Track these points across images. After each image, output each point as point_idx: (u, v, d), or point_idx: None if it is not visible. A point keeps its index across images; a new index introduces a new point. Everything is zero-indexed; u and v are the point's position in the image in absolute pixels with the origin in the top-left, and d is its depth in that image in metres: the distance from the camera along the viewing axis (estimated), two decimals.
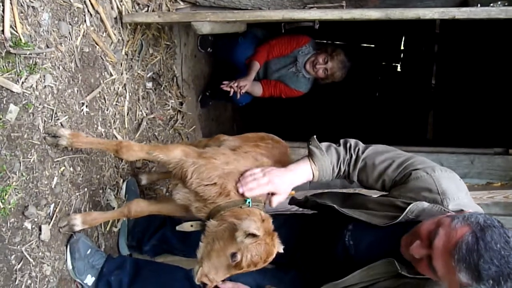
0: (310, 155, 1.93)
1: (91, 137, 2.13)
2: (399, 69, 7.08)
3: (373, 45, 6.95)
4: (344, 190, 2.11)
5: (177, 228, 1.89)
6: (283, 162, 2.01)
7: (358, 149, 1.95)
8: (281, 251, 1.75)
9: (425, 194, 1.74)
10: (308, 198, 2.18)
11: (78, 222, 2.02)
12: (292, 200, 2.36)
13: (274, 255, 1.71)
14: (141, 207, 2.09)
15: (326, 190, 2.31)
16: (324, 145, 1.96)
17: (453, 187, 1.74)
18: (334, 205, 1.90)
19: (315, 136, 1.97)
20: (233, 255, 1.62)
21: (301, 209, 2.37)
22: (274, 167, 1.89)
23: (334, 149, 1.95)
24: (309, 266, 2.08)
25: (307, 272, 2.06)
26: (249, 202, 1.76)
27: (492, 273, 1.35)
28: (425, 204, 1.68)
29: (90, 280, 2.10)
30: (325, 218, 2.11)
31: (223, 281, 1.74)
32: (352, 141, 1.98)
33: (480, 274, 1.36)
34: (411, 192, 1.76)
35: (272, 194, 1.86)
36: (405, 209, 1.67)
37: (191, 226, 1.87)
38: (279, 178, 1.84)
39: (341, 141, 2.01)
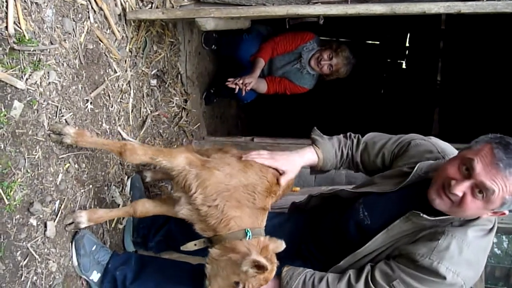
0: (313, 142, 2.08)
1: (96, 137, 2.14)
2: (404, 66, 7.04)
3: (378, 42, 6.91)
4: (350, 187, 2.15)
5: (182, 248, 1.98)
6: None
7: (358, 135, 2.12)
8: (283, 247, 1.82)
9: (428, 155, 1.87)
10: (311, 197, 2.24)
11: (83, 219, 2.03)
12: (292, 206, 2.38)
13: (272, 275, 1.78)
14: (146, 208, 2.11)
15: (331, 187, 2.31)
16: (326, 136, 2.13)
17: (450, 147, 1.94)
18: (343, 188, 2.04)
19: (316, 127, 2.13)
20: (236, 283, 1.73)
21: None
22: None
23: (335, 137, 2.13)
24: (316, 254, 2.08)
25: (314, 260, 2.06)
26: (249, 236, 1.79)
27: None
28: (431, 161, 1.80)
29: (96, 276, 2.10)
30: (331, 207, 2.13)
31: None
32: (351, 133, 2.15)
33: None
34: (413, 157, 1.89)
35: (280, 175, 1.98)
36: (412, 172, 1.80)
37: (195, 245, 1.94)
38: (283, 157, 1.99)
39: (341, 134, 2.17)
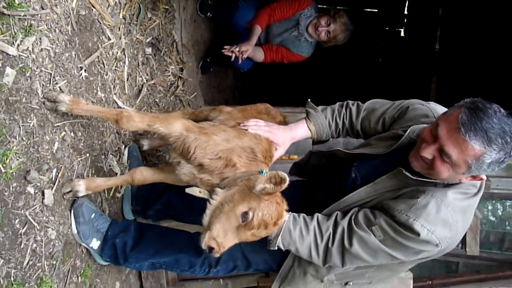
0: (306, 115, 2.13)
1: (91, 105, 2.10)
2: (402, 34, 6.97)
3: (376, 10, 6.81)
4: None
5: (186, 190, 1.90)
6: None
7: (358, 103, 2.14)
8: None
9: (423, 119, 1.90)
10: (311, 153, 2.31)
11: (81, 188, 2.02)
12: (294, 166, 2.40)
13: (283, 218, 1.77)
14: (144, 175, 2.10)
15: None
16: (320, 107, 2.16)
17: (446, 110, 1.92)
18: (340, 148, 2.10)
19: (309, 100, 2.17)
20: (244, 214, 1.65)
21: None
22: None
23: (329, 107, 2.17)
24: (310, 212, 2.12)
25: None
26: (264, 173, 1.77)
27: (497, 131, 1.50)
28: (425, 125, 1.82)
29: (95, 243, 2.12)
30: (329, 171, 2.19)
31: None
32: (349, 101, 2.18)
33: (488, 134, 1.50)
34: (410, 121, 1.93)
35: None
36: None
37: (200, 192, 1.87)
38: (279, 131, 2.05)
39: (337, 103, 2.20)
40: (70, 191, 2.00)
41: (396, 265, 1.95)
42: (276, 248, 1.89)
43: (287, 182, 1.62)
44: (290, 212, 1.91)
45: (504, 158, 1.55)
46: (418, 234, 1.66)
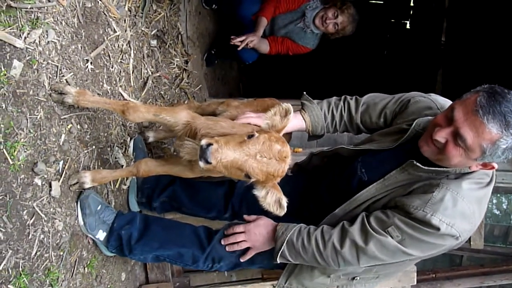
0: (302, 107, 2.13)
1: (98, 96, 2.11)
2: (408, 26, 6.92)
3: (381, 2, 6.76)
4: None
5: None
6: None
7: (356, 97, 2.12)
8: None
9: (427, 112, 1.88)
10: (312, 155, 2.31)
11: (87, 180, 2.03)
12: (295, 166, 2.41)
13: (289, 158, 1.66)
14: (149, 166, 2.10)
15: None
16: (316, 100, 2.15)
17: (449, 102, 1.89)
18: (343, 146, 2.09)
19: (305, 92, 2.16)
20: (250, 135, 1.60)
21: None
22: None
23: (325, 100, 2.16)
24: (316, 214, 2.13)
25: (314, 219, 2.11)
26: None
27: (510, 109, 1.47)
28: (430, 117, 1.80)
29: (102, 235, 2.14)
30: (332, 167, 2.16)
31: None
32: (347, 96, 2.16)
33: (506, 118, 1.47)
34: (413, 114, 1.90)
35: None
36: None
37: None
38: None
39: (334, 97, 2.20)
40: (77, 182, 2.01)
41: (407, 260, 1.93)
42: (281, 260, 1.95)
43: (291, 114, 1.64)
44: (297, 224, 1.95)
45: None
46: (438, 229, 1.64)
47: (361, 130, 2.18)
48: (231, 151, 1.54)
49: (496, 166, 1.64)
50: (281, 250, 1.93)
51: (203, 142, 1.52)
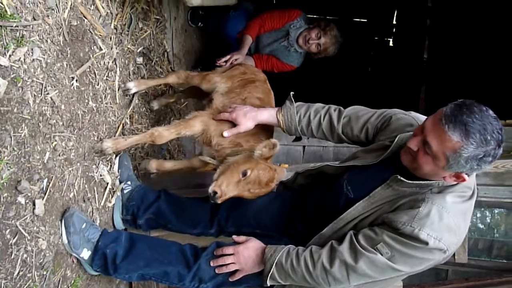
0: (282, 105, 2.29)
1: (130, 139, 2.35)
2: (391, 43, 7.05)
3: (365, 20, 6.89)
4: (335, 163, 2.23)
5: (199, 157, 2.45)
6: (267, 100, 2.53)
7: (339, 108, 2.20)
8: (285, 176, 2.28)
9: (408, 128, 1.93)
10: (297, 174, 2.37)
11: (109, 144, 2.28)
12: (281, 185, 2.44)
13: (275, 182, 2.15)
14: (160, 131, 2.30)
15: (318, 164, 2.36)
16: (299, 102, 2.29)
17: None
18: (328, 163, 2.16)
19: (292, 93, 2.30)
20: (244, 172, 2.06)
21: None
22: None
23: (306, 104, 2.28)
24: (303, 232, 2.14)
25: (301, 238, 2.12)
26: None
27: (477, 126, 1.53)
28: (411, 133, 1.83)
29: (86, 254, 2.11)
30: (318, 185, 2.19)
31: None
32: (332, 105, 2.26)
33: (467, 128, 1.53)
34: (395, 131, 1.95)
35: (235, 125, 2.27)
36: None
37: (209, 159, 2.34)
38: (241, 110, 2.27)
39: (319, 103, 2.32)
40: (99, 149, 2.28)
41: (395, 277, 1.93)
42: (271, 283, 1.95)
43: (278, 147, 2.09)
44: (285, 246, 1.96)
45: (483, 156, 1.56)
46: (427, 243, 1.66)
47: (343, 140, 2.22)
48: (230, 192, 2.05)
49: (467, 178, 1.67)
50: (270, 273, 1.92)
51: (210, 190, 2.03)
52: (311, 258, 1.87)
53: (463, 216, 1.74)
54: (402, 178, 1.76)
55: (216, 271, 2.06)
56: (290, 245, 1.98)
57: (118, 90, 2.61)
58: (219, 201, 2.03)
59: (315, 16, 6.14)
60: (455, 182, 1.71)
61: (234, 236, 2.12)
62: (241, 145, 2.25)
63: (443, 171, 1.67)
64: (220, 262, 2.05)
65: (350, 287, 1.88)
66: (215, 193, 2.03)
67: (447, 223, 1.68)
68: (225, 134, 2.26)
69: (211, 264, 2.07)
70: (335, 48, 3.76)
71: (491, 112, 1.59)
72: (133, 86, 2.70)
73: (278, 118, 2.23)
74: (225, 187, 2.03)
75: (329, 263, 1.82)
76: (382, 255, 1.74)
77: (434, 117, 1.64)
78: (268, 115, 2.26)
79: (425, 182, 1.75)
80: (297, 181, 2.40)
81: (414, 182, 1.76)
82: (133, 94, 2.77)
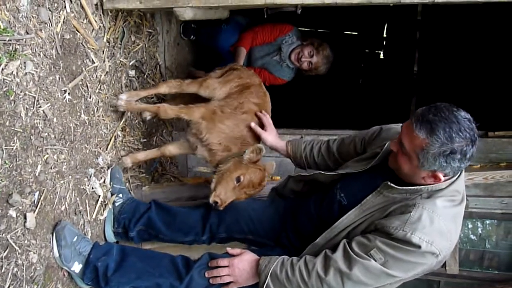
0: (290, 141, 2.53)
1: (141, 105, 2.71)
2: (382, 56, 7.13)
3: (356, 33, 6.97)
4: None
5: (197, 168, 2.68)
6: (263, 105, 2.69)
7: (336, 138, 2.41)
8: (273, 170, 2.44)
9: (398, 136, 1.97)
10: (289, 177, 2.43)
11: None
12: (272, 192, 2.47)
13: (266, 180, 2.37)
14: (165, 107, 2.54)
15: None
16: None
17: None
18: (321, 171, 2.23)
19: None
20: (238, 178, 2.27)
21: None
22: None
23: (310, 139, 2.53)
24: (295, 243, 2.15)
25: (293, 248, 2.12)
26: (247, 152, 2.35)
27: (443, 125, 1.62)
28: None
29: (77, 267, 2.10)
30: (310, 194, 2.26)
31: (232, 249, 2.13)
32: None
33: (432, 126, 1.63)
34: (385, 140, 2.02)
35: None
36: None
37: (204, 169, 2.72)
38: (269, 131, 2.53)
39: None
40: (116, 104, 2.57)
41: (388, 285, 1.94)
42: None
43: (264, 151, 2.32)
44: (279, 256, 1.97)
45: (450, 153, 1.62)
46: (419, 247, 1.69)
47: (337, 159, 2.30)
48: (229, 198, 2.28)
49: (441, 177, 1.73)
50: (265, 284, 1.92)
51: (211, 201, 2.27)
52: (306, 267, 1.87)
53: (453, 221, 1.78)
54: (392, 185, 1.81)
55: (211, 281, 2.06)
56: (284, 256, 1.99)
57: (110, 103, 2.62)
58: (221, 209, 2.25)
59: (306, 29, 6.20)
60: (434, 183, 1.76)
61: (228, 249, 2.12)
62: (230, 149, 2.43)
63: (419, 170, 1.73)
64: (214, 274, 2.05)
65: None
66: (216, 202, 2.25)
67: (438, 227, 1.71)
68: (252, 125, 2.50)
69: (206, 275, 2.07)
70: (326, 67, 3.82)
71: (462, 113, 1.66)
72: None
73: (287, 146, 2.48)
74: (223, 196, 2.25)
75: (324, 272, 1.83)
76: (375, 261, 1.75)
77: (409, 120, 1.74)
78: (282, 144, 2.51)
79: (414, 187, 1.79)
80: (288, 185, 2.43)
81: (404, 188, 1.80)
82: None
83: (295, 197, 2.39)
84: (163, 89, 2.75)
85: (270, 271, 1.92)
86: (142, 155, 2.76)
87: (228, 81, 2.70)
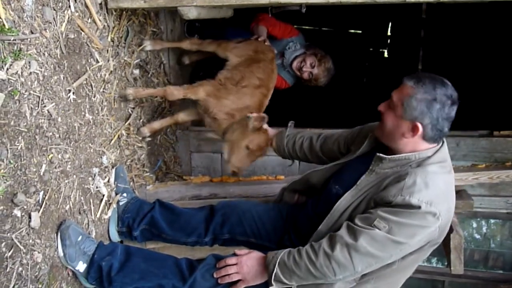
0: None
1: (147, 90, 2.84)
2: (386, 54, 7.11)
3: (360, 31, 6.95)
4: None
5: (206, 135, 3.05)
6: (266, 81, 2.86)
7: (320, 134, 2.53)
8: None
9: None
10: (284, 190, 2.53)
11: (130, 91, 2.68)
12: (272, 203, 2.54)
13: (269, 143, 2.62)
14: (172, 90, 2.76)
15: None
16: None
17: None
18: (312, 170, 2.33)
19: (291, 122, 2.76)
20: (247, 146, 2.55)
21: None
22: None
23: (297, 130, 2.68)
24: (298, 245, 2.14)
25: None
26: (250, 116, 2.57)
27: (428, 79, 1.84)
28: None
29: (82, 266, 2.10)
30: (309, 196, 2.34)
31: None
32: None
33: (420, 77, 1.85)
34: (369, 131, 2.15)
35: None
36: None
37: (213, 135, 2.87)
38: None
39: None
40: (123, 94, 2.68)
41: (395, 271, 1.94)
42: (277, 285, 1.94)
43: (266, 119, 2.57)
44: (286, 249, 1.97)
45: (432, 100, 1.79)
46: (419, 207, 1.74)
47: (322, 159, 2.43)
48: (244, 165, 2.62)
49: (420, 128, 1.83)
50: (274, 273, 1.91)
51: (230, 172, 2.64)
52: (312, 248, 1.88)
53: (446, 186, 1.85)
54: (382, 155, 1.91)
55: (219, 281, 2.05)
56: (289, 248, 1.98)
57: (115, 102, 2.62)
58: (240, 176, 2.71)
59: (310, 28, 6.19)
60: (413, 137, 1.86)
61: (236, 250, 2.11)
62: (235, 116, 2.68)
63: (402, 122, 1.85)
64: (223, 273, 2.04)
65: (357, 274, 1.88)
66: (234, 172, 2.59)
67: (434, 189, 1.78)
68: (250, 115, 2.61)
69: (214, 275, 2.06)
70: (326, 80, 3.79)
71: (449, 83, 1.87)
72: (149, 44, 2.99)
73: (272, 139, 2.63)
74: (239, 164, 2.59)
75: (331, 248, 1.83)
76: (380, 229, 1.78)
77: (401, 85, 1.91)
78: (272, 133, 2.68)
79: (403, 155, 1.88)
80: (283, 198, 2.50)
81: (393, 156, 1.90)
82: (132, 109, 2.82)
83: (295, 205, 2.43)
84: (185, 44, 3.12)
85: (278, 260, 1.92)
86: (158, 124, 3.01)
87: (243, 50, 2.95)
